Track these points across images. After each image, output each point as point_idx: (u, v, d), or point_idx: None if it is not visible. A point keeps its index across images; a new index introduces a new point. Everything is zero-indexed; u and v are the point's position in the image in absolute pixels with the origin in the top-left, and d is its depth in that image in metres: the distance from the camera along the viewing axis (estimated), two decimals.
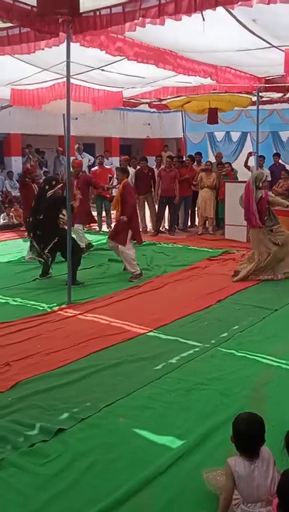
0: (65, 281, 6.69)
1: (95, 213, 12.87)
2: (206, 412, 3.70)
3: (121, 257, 7.82)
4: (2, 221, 12.69)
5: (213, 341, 5.10)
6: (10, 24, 5.63)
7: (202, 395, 3.99)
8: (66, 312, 6.08)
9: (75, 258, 7.06)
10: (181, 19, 4.83)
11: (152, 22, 5.01)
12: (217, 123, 12.46)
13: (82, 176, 9.53)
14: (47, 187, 7.50)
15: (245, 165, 12.45)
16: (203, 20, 5.00)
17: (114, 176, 12.26)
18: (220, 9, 4.70)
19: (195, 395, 3.98)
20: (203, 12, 4.72)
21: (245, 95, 11.12)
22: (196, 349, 4.91)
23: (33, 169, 9.49)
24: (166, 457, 3.13)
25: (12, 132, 17.26)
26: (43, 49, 6.09)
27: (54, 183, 7.49)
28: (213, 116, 12.11)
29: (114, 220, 11.28)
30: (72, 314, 5.99)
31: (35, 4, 4.95)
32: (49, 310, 6.16)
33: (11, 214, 12.69)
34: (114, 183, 11.84)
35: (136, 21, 5.03)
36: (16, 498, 2.81)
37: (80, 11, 5.17)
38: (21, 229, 12.54)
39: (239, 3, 4.40)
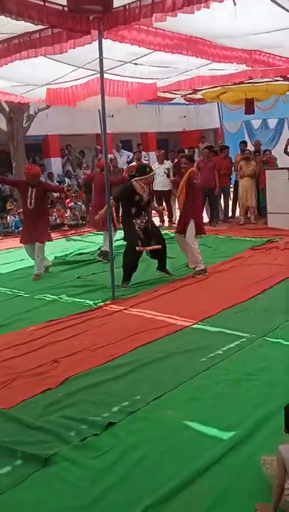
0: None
1: None
2: (256, 402, 3.64)
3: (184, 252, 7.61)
4: None
5: (260, 331, 5.02)
6: (42, 26, 5.69)
7: (251, 385, 3.93)
8: (111, 308, 6.12)
9: (125, 258, 7.08)
10: (209, 7, 4.76)
11: (183, 11, 4.95)
12: (254, 113, 12.28)
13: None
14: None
15: (285, 151, 12.22)
16: (235, 4, 4.91)
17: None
18: None
19: (244, 386, 3.93)
20: None
21: (282, 82, 10.85)
22: (243, 339, 4.85)
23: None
24: (218, 448, 3.10)
25: (50, 134, 17.50)
26: (74, 48, 6.13)
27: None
28: (249, 106, 11.93)
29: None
30: (117, 310, 6.03)
31: (66, 3, 4.97)
32: (94, 306, 6.21)
33: (54, 214, 12.83)
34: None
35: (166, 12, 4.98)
36: (70, 491, 2.84)
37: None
38: (64, 228, 12.75)
39: None
